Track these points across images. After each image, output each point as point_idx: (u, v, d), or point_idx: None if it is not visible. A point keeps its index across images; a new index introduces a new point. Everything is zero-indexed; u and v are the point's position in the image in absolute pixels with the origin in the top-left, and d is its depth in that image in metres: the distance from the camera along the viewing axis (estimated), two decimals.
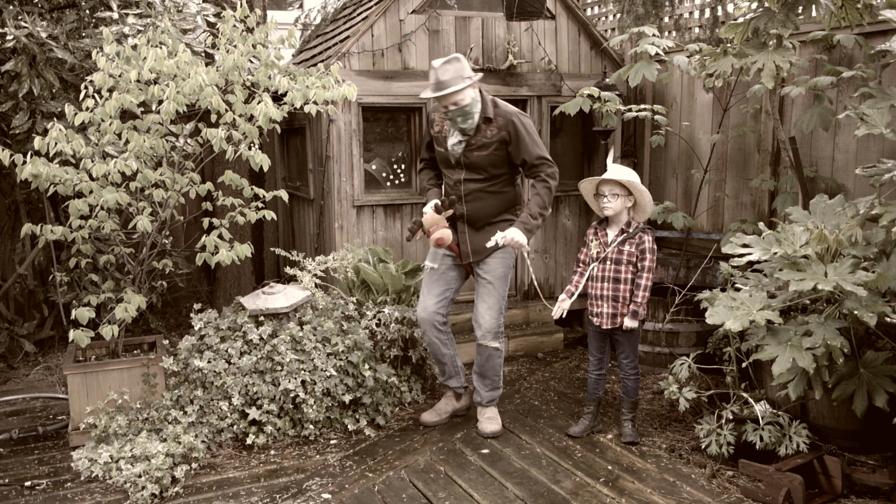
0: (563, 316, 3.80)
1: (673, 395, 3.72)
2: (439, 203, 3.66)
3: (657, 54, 4.52)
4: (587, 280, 3.80)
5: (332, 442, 3.84)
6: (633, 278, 3.69)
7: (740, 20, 3.90)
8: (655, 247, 3.73)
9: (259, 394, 3.73)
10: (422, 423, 4.01)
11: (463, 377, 4.07)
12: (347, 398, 3.85)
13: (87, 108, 3.59)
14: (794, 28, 3.71)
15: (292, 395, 3.76)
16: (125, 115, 3.80)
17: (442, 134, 3.75)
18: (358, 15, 5.40)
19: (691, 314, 4.63)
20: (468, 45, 5.13)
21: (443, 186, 3.91)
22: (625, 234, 3.70)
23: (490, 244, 3.60)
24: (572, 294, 3.79)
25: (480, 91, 3.66)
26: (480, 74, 3.68)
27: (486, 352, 3.81)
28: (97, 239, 4.64)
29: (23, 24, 4.11)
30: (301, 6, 11.44)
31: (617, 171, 3.67)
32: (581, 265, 3.85)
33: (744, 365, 3.74)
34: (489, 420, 3.90)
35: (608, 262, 3.72)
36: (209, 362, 3.79)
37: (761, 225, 3.67)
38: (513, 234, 3.58)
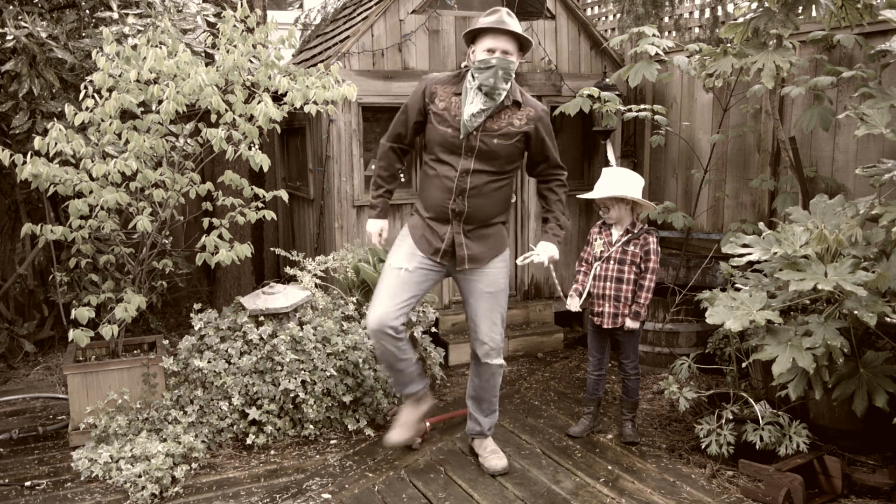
0: (577, 309, 3.77)
1: (673, 395, 3.72)
2: None
3: (657, 54, 4.52)
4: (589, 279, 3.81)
5: (332, 442, 3.84)
6: (636, 279, 3.70)
7: (740, 20, 3.90)
8: (659, 248, 3.73)
9: (259, 394, 3.73)
10: (387, 444, 3.55)
11: (423, 374, 3.52)
12: (347, 398, 3.85)
13: (87, 108, 3.59)
14: (794, 28, 3.71)
15: (292, 395, 3.76)
16: (125, 115, 3.80)
17: (450, 111, 3.18)
18: (358, 15, 5.40)
19: (691, 314, 4.63)
20: None
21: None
22: (629, 235, 3.71)
23: (522, 262, 3.40)
24: (580, 293, 3.79)
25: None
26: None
27: (489, 371, 3.43)
28: (97, 239, 4.64)
29: (23, 24, 4.11)
30: (301, 6, 11.44)
31: (608, 184, 3.68)
32: (584, 264, 3.85)
33: (744, 365, 3.75)
34: (494, 454, 3.53)
35: (612, 262, 3.72)
36: (209, 362, 3.79)
37: (761, 225, 3.67)
38: (550, 252, 3.34)
